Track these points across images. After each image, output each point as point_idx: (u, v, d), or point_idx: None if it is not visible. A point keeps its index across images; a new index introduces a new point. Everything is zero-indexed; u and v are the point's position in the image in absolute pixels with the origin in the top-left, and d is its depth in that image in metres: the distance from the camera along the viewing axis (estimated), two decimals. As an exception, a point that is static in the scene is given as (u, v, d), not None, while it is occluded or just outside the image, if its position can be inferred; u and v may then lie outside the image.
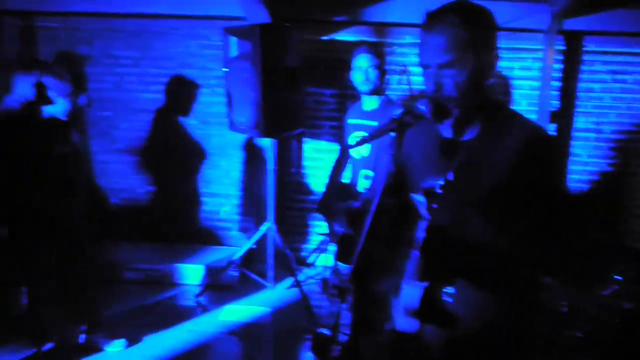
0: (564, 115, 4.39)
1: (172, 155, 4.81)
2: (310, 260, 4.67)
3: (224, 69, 3.95)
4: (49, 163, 2.93)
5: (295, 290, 3.95)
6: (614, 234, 4.46)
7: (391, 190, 1.90)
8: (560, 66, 4.32)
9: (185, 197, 4.87)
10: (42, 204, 2.91)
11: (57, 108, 2.90)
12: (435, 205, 1.58)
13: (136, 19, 4.56)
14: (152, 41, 4.65)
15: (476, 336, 1.56)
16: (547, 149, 1.48)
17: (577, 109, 4.39)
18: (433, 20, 1.42)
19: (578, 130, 4.42)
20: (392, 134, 1.43)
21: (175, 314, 3.80)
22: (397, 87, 4.30)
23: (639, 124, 4.38)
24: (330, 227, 3.49)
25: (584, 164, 4.44)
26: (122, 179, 4.88)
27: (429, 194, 1.60)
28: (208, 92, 4.68)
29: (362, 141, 1.57)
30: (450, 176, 1.53)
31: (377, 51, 3.09)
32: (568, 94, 4.37)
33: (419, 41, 1.47)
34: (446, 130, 1.56)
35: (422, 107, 1.41)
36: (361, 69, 3.04)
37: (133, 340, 3.39)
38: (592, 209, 4.42)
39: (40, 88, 2.83)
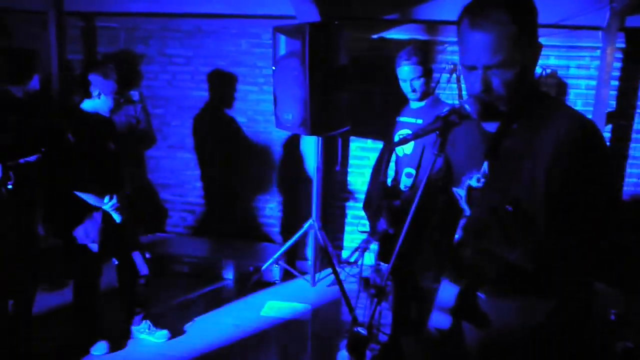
0: (622, 116, 4.19)
1: (221, 151, 4.91)
2: (352, 258, 4.65)
3: (272, 67, 3.99)
4: (95, 159, 3.04)
5: (336, 288, 3.94)
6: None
7: (434, 190, 1.88)
8: (619, 65, 4.12)
9: (233, 193, 4.96)
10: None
11: (99, 104, 3.03)
12: (475, 196, 1.54)
13: (189, 19, 4.69)
14: (204, 40, 4.77)
15: (518, 340, 1.50)
16: (591, 139, 1.38)
17: (638, 110, 4.18)
18: (477, 17, 1.34)
19: (637, 131, 4.21)
20: (437, 133, 1.39)
21: (220, 308, 3.88)
22: (446, 86, 4.23)
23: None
24: (372, 225, 3.46)
25: (642, 166, 4.24)
26: (172, 174, 5.03)
27: (469, 186, 1.57)
28: (257, 90, 4.75)
29: (404, 140, 1.54)
30: (486, 169, 1.49)
31: (420, 58, 2.97)
32: (627, 93, 4.17)
33: (458, 39, 1.41)
34: (490, 125, 1.52)
35: (467, 107, 1.37)
36: (405, 81, 3.00)
37: (177, 332, 3.49)
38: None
39: (85, 84, 2.97)
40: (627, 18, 3.87)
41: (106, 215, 3.05)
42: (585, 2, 3.87)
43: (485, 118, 1.41)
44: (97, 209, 3.03)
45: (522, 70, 1.36)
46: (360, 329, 1.44)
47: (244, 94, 4.78)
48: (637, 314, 2.67)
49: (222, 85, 4.80)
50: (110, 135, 3.16)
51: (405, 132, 3.05)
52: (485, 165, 1.50)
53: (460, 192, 1.63)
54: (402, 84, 3.05)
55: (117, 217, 3.07)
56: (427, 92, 3.05)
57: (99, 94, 2.99)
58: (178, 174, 5.02)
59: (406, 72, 2.98)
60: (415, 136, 1.45)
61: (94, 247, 3.06)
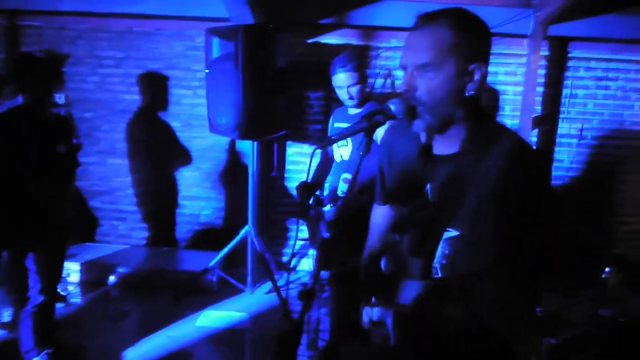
0: (547, 121, 4.38)
1: (154, 157, 4.77)
2: (291, 264, 4.63)
3: (205, 70, 3.91)
4: (49, 160, 2.85)
5: (274, 295, 3.89)
6: (599, 240, 4.45)
7: (364, 192, 1.87)
8: (544, 72, 4.31)
9: (166, 200, 4.82)
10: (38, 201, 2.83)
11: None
12: (417, 216, 1.54)
13: (120, 19, 4.52)
14: (135, 41, 4.61)
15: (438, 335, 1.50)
16: (536, 163, 1.41)
17: (561, 115, 4.38)
18: (420, 21, 1.36)
19: (561, 135, 4.41)
20: (363, 133, 1.37)
21: (153, 320, 3.74)
22: (381, 91, 4.28)
23: (622, 130, 4.38)
24: (310, 231, 3.45)
25: (566, 169, 4.44)
26: (102, 181, 4.83)
27: (412, 203, 1.56)
28: (191, 94, 4.64)
29: (329, 141, 1.51)
30: (430, 191, 1.49)
31: (356, 65, 2.95)
32: (552, 99, 4.36)
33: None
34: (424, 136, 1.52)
35: (392, 106, 1.36)
36: (342, 88, 2.98)
37: (107, 346, 3.34)
38: (576, 215, 4.40)
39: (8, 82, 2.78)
40: (550, 27, 4.05)
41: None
42: (511, 11, 4.03)
43: (408, 119, 1.40)
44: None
45: (450, 83, 1.35)
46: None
47: (177, 97, 4.66)
48: (560, 311, 2.78)
49: (155, 89, 4.66)
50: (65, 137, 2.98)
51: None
52: (429, 185, 1.50)
53: (401, 208, 1.62)
54: (338, 91, 3.03)
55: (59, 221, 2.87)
56: (365, 98, 3.06)
57: None
58: (109, 180, 4.83)
59: (342, 79, 2.96)
60: (340, 136, 1.43)
61: None
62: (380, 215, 1.86)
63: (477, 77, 1.37)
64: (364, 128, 1.37)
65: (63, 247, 3.11)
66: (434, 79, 1.34)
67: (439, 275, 1.48)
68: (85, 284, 4.25)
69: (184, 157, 4.73)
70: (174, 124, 4.69)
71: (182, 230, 4.88)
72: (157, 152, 4.75)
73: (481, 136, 1.43)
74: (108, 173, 4.81)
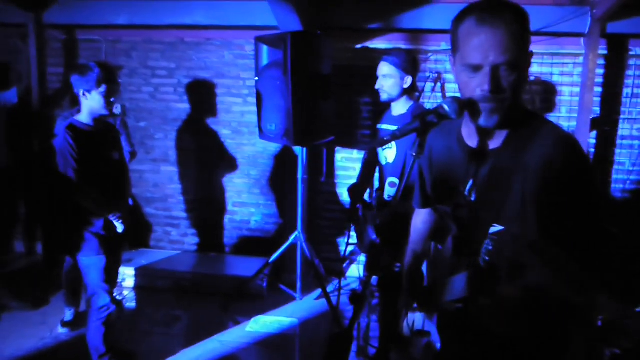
0: (606, 122, 4.19)
1: (205, 164, 4.86)
2: (340, 270, 4.60)
3: (255, 78, 3.95)
4: (102, 168, 2.94)
5: (323, 301, 3.88)
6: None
7: (410, 196, 1.83)
8: (602, 71, 4.13)
9: (218, 206, 4.90)
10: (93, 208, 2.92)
11: (88, 105, 2.86)
12: (460, 215, 1.50)
13: (172, 30, 4.65)
14: (187, 52, 4.73)
15: (506, 344, 1.46)
16: (578, 156, 1.36)
17: (622, 116, 4.18)
18: (485, 13, 1.30)
19: (622, 137, 4.21)
20: (416, 133, 1.34)
21: (205, 325, 3.80)
22: (430, 95, 4.22)
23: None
24: (359, 236, 3.42)
25: (628, 172, 4.22)
26: (156, 188, 4.96)
27: (454, 203, 1.52)
28: (241, 102, 4.71)
29: (383, 141, 1.49)
30: (473, 188, 1.45)
31: (395, 59, 2.96)
32: (611, 99, 4.17)
33: (456, 41, 1.38)
34: (471, 138, 1.48)
35: (446, 107, 1.33)
36: (377, 77, 3.00)
37: (162, 350, 3.41)
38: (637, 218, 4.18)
39: (69, 90, 2.86)
40: (608, 25, 3.88)
41: (107, 224, 2.93)
42: (566, 9, 3.89)
43: (462, 116, 1.37)
44: (99, 218, 2.91)
45: (523, 76, 1.34)
46: (340, 337, 1.40)
47: (228, 105, 4.74)
48: (624, 320, 2.63)
49: (206, 97, 4.75)
50: (113, 143, 3.07)
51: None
52: (471, 182, 1.46)
53: (444, 208, 1.59)
54: (380, 81, 3.02)
55: (120, 227, 2.96)
56: (396, 98, 3.02)
57: (84, 94, 2.83)
58: (162, 187, 4.95)
59: (379, 69, 3.00)
60: (393, 137, 1.39)
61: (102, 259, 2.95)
62: (420, 220, 1.83)
63: (530, 63, 1.37)
64: (416, 128, 1.34)
65: (119, 252, 3.21)
66: (513, 75, 1.31)
67: (482, 271, 1.44)
68: (140, 289, 4.36)
69: (233, 164, 4.79)
70: (225, 132, 4.77)
71: (233, 236, 4.94)
72: (207, 159, 4.84)
73: (523, 130, 1.40)
74: (162, 180, 4.94)
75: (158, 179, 4.95)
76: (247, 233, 4.91)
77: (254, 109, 4.05)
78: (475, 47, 1.31)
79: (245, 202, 4.86)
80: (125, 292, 4.29)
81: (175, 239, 5.03)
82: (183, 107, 4.80)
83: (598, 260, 1.34)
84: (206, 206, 4.93)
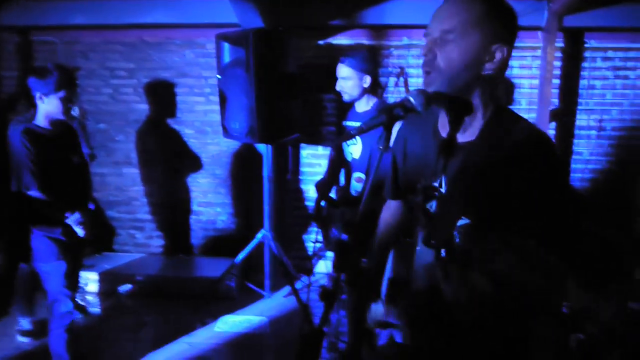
0: (565, 113, 4.30)
1: (169, 165, 4.78)
2: (308, 267, 4.59)
3: (217, 76, 3.91)
4: (61, 172, 2.86)
5: (292, 298, 3.86)
6: (621, 233, 4.34)
7: (379, 191, 1.83)
8: (560, 64, 4.23)
9: (183, 207, 4.83)
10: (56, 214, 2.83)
11: (45, 109, 2.76)
12: (430, 207, 1.50)
13: (131, 30, 4.56)
14: (147, 51, 4.64)
15: (472, 331, 1.45)
16: (551, 155, 1.37)
17: (579, 107, 4.29)
18: None
19: (580, 128, 4.32)
20: (382, 127, 1.32)
21: (173, 328, 3.73)
22: (393, 90, 4.24)
23: (642, 120, 4.28)
24: (325, 233, 3.41)
25: (585, 162, 4.34)
26: (118, 191, 4.86)
27: (425, 194, 1.52)
28: (204, 101, 4.65)
29: (349, 135, 1.48)
30: (445, 181, 1.45)
31: (352, 61, 2.96)
32: (569, 91, 4.28)
33: (417, 42, 1.39)
34: (445, 130, 1.48)
35: (412, 98, 1.32)
36: (338, 79, 3.01)
37: (128, 354, 3.33)
38: (596, 208, 4.30)
39: (26, 94, 2.77)
40: (565, 18, 3.97)
41: (67, 229, 2.83)
42: (525, 3, 3.95)
43: (428, 109, 1.37)
44: (58, 223, 2.81)
45: (470, 57, 1.32)
46: (311, 333, 1.38)
47: (190, 105, 4.67)
48: (588, 307, 2.70)
49: (168, 97, 4.67)
50: (72, 146, 2.99)
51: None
52: (443, 174, 1.46)
53: (415, 200, 1.58)
54: (340, 82, 3.02)
55: (80, 231, 2.86)
56: (357, 99, 3.02)
57: (41, 97, 2.73)
58: (125, 190, 4.85)
59: (338, 71, 3.00)
60: (359, 131, 1.38)
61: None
62: (389, 212, 1.83)
63: (497, 57, 1.34)
64: (382, 122, 1.33)
65: (80, 257, 3.12)
66: (454, 48, 1.32)
67: (450, 262, 1.44)
68: (103, 294, 4.26)
69: (197, 163, 4.73)
70: (188, 131, 4.71)
71: (199, 237, 4.88)
72: (171, 160, 4.77)
73: (498, 125, 1.40)
74: (124, 183, 4.84)
75: (120, 182, 4.84)
76: (213, 233, 4.85)
77: (217, 107, 4.00)
78: (431, 20, 1.37)
79: (211, 202, 4.81)
80: (89, 297, 4.19)
81: (140, 242, 4.93)
82: (144, 107, 4.71)
83: (566, 255, 1.36)
84: (171, 207, 4.85)
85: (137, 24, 4.43)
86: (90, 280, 4.26)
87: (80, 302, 3.93)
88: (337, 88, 3.04)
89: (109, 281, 4.29)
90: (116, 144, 4.78)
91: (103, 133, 4.74)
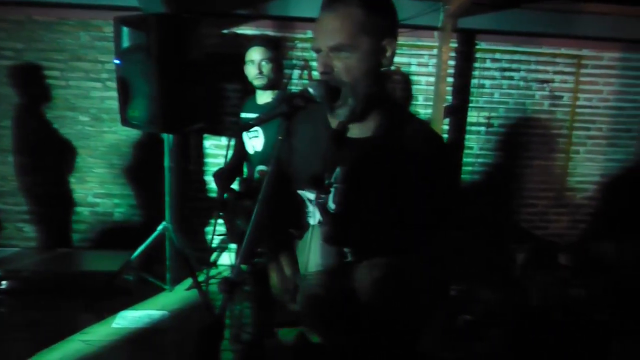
0: (458, 110, 4.58)
1: (62, 154, 4.50)
2: (212, 260, 4.54)
3: (115, 61, 3.74)
4: None
5: (194, 291, 3.81)
6: (508, 223, 4.71)
7: (277, 181, 1.84)
8: (454, 63, 4.49)
9: (78, 198, 4.59)
10: None
11: None
12: (323, 199, 1.53)
13: (19, 7, 4.22)
14: (37, 31, 4.32)
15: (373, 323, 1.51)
16: (443, 153, 1.46)
17: (470, 104, 4.59)
18: (329, 2, 1.37)
19: (471, 124, 4.62)
20: (282, 118, 1.33)
21: (68, 325, 3.54)
22: (297, 82, 4.28)
23: (525, 118, 4.66)
24: (227, 225, 3.39)
25: (476, 156, 4.66)
26: (4, 181, 4.51)
27: (318, 187, 1.55)
28: (100, 87, 4.42)
29: (248, 125, 1.47)
30: (339, 175, 1.49)
31: (272, 44, 3.00)
32: (462, 89, 4.56)
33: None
34: (335, 122, 1.52)
35: (311, 89, 1.34)
36: (254, 62, 2.95)
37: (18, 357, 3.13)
38: (485, 199, 4.64)
39: None
40: (459, 20, 4.21)
41: None
42: (423, 3, 4.15)
43: (330, 102, 1.40)
44: None
45: (367, 61, 1.37)
46: (211, 324, 1.37)
47: (86, 90, 4.43)
48: (477, 292, 2.92)
49: (61, 82, 4.39)
50: None
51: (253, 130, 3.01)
52: (338, 169, 1.50)
53: (307, 194, 1.61)
54: (249, 67, 2.98)
55: None
56: (274, 84, 3.03)
57: None
58: (12, 180, 4.51)
59: (255, 52, 2.93)
60: (259, 121, 1.39)
61: None
62: (281, 206, 1.84)
63: (389, 52, 1.41)
64: (283, 112, 1.34)
65: None
66: (350, 57, 1.35)
67: (349, 259, 1.50)
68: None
69: (93, 153, 4.50)
70: (83, 119, 4.46)
71: (95, 230, 4.65)
72: (64, 148, 4.49)
73: (392, 122, 1.46)
74: (12, 172, 4.49)
75: (7, 171, 4.49)
76: (111, 226, 4.65)
77: (115, 94, 3.83)
78: (315, 33, 1.40)
79: (109, 193, 4.60)
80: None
81: (29, 236, 4.62)
82: (34, 91, 4.39)
83: (451, 244, 1.46)
84: (65, 199, 4.58)
85: (25, 1, 4.13)
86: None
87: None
88: (254, 72, 2.96)
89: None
90: (2, 131, 4.43)
91: (-14, 118, 4.38)
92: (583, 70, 4.64)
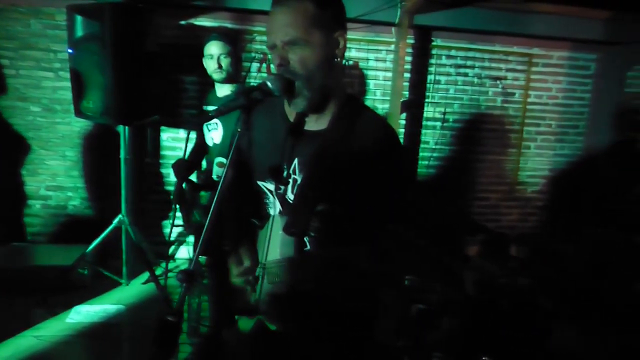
0: (414, 105, 4.67)
1: (11, 145, 4.36)
2: (169, 253, 4.50)
3: (68, 51, 3.64)
4: None
5: (152, 285, 3.77)
6: (461, 215, 4.85)
7: (237, 172, 1.85)
8: (411, 59, 4.57)
9: (28, 191, 4.46)
10: None
11: None
12: (285, 193, 1.55)
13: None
14: (-15, 18, 4.17)
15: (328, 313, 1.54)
16: (397, 146, 1.51)
17: (427, 100, 4.69)
18: None
19: (427, 119, 4.73)
20: (240, 111, 1.34)
21: (19, 322, 3.44)
22: (256, 75, 4.28)
23: (479, 114, 4.80)
24: (185, 217, 3.37)
25: (431, 150, 4.77)
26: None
27: (277, 178, 1.57)
28: (52, 77, 4.30)
29: (206, 117, 1.48)
30: (297, 167, 1.52)
31: (230, 38, 3.00)
32: (418, 85, 4.65)
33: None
34: (294, 116, 1.54)
35: (269, 83, 1.36)
36: (212, 56, 2.95)
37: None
38: (439, 192, 4.76)
39: None
40: (416, 17, 4.29)
41: None
42: (379, -1, 4.21)
43: (287, 95, 1.42)
44: None
45: (321, 54, 1.40)
46: (169, 317, 1.37)
47: (37, 80, 4.30)
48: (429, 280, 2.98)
49: (11, 70, 4.25)
50: None
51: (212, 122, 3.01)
52: (296, 161, 1.52)
53: (267, 185, 1.62)
54: (207, 62, 2.99)
55: None
56: (233, 77, 3.03)
57: None
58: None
59: (214, 46, 2.94)
60: (217, 112, 1.39)
61: None
62: (238, 197, 1.85)
63: (341, 43, 1.44)
64: (242, 105, 1.35)
65: None
66: (304, 50, 1.38)
67: (309, 247, 1.53)
68: None
69: (45, 144, 4.38)
70: (34, 109, 4.33)
71: (48, 224, 4.53)
72: (13, 139, 4.34)
73: (348, 115, 1.50)
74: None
75: (-48, 163, 4.33)
76: (64, 219, 4.54)
77: (69, 84, 3.73)
78: (268, 29, 1.41)
79: (62, 186, 4.49)
80: None
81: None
82: (-19, 81, 4.24)
83: (403, 236, 1.51)
84: (14, 192, 4.44)
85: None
86: None
87: None
88: (212, 67, 2.97)
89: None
90: (-54, 121, 4.26)
91: None
92: (534, 69, 4.81)
